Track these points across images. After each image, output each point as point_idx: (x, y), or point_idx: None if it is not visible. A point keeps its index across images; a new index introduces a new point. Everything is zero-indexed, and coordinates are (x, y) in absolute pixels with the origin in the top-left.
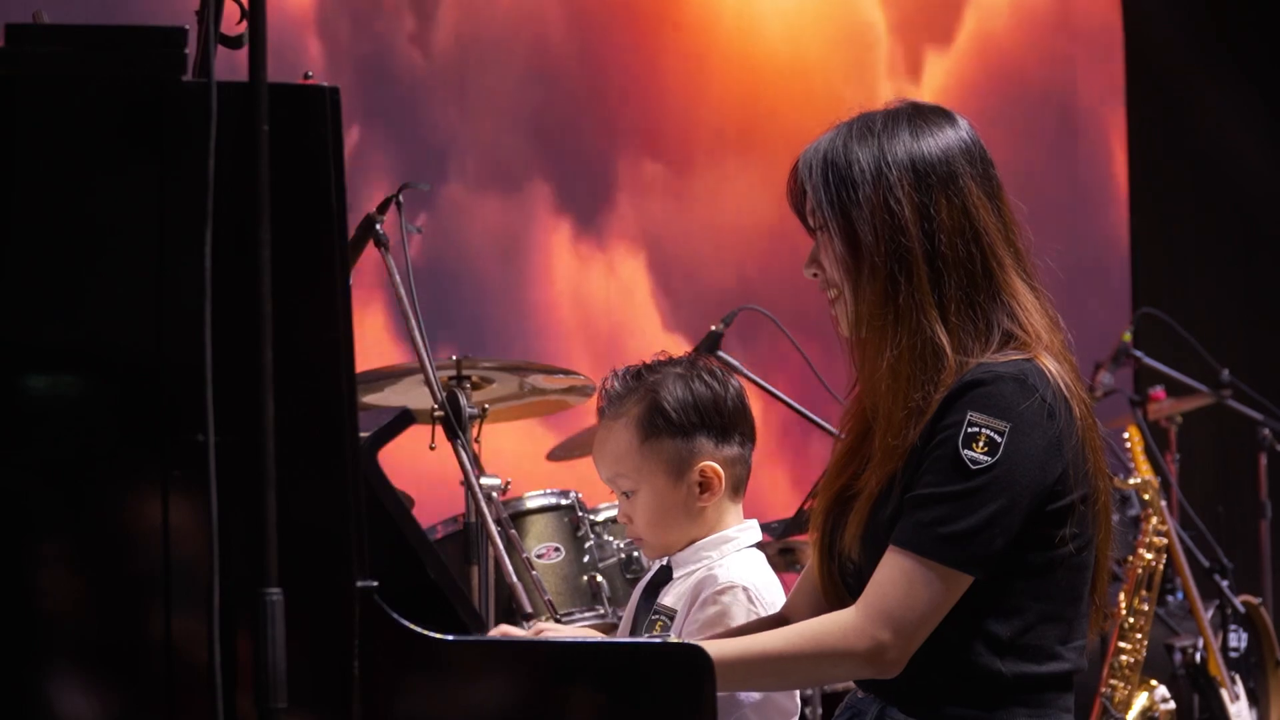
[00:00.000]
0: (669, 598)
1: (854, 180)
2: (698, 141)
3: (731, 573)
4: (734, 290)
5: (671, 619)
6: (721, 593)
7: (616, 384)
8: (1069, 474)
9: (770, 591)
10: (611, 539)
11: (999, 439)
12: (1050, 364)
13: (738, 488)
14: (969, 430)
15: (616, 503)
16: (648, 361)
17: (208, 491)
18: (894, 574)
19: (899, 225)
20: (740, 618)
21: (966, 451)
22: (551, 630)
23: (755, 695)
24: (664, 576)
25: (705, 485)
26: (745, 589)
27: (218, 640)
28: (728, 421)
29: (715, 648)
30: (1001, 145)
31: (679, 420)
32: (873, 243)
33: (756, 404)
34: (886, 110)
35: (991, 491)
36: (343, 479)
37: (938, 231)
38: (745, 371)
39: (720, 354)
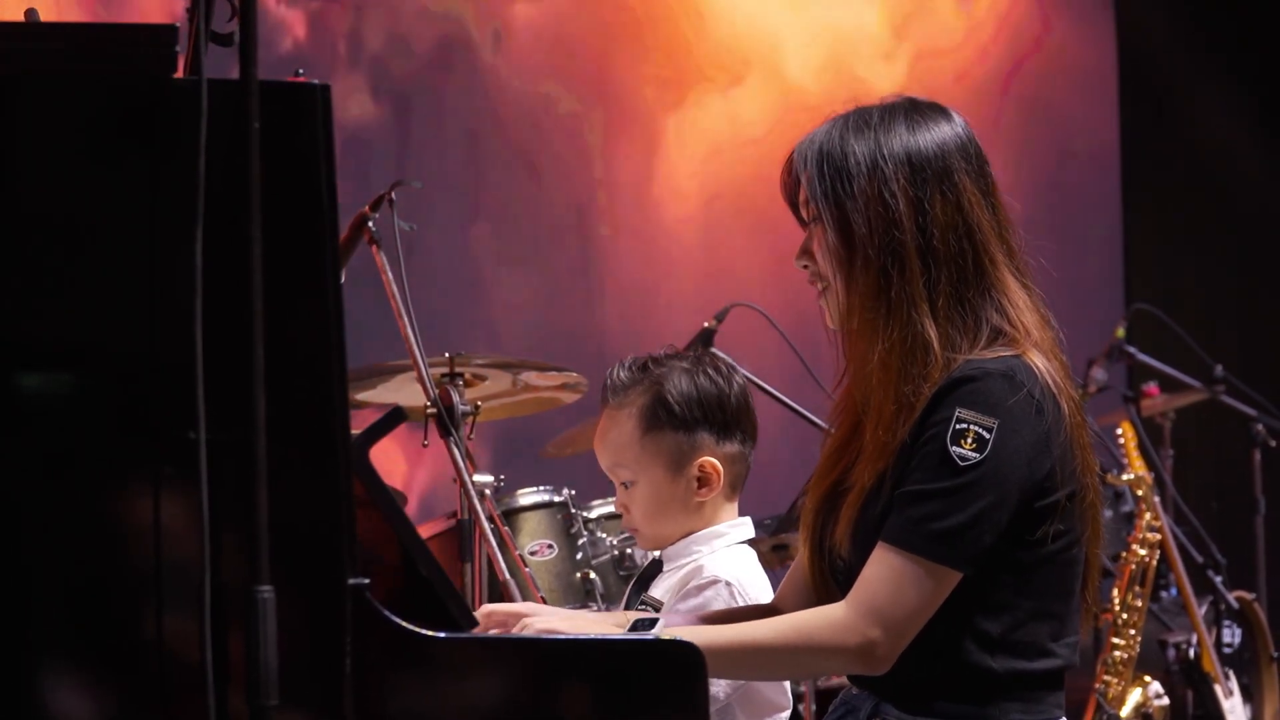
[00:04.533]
0: (658, 590)
1: (849, 172)
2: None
3: (718, 567)
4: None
5: (658, 610)
6: (704, 586)
7: (622, 374)
8: (1056, 471)
9: (756, 588)
10: (604, 536)
11: (987, 435)
12: (1038, 360)
13: (735, 485)
14: (957, 427)
15: (609, 500)
16: (654, 354)
17: (199, 489)
18: (883, 571)
19: (893, 219)
20: None
21: (955, 448)
22: (540, 618)
23: (726, 686)
24: (655, 570)
25: (704, 480)
26: (729, 584)
27: (209, 638)
28: (730, 418)
29: (703, 635)
30: (996, 143)
31: (682, 414)
32: (866, 235)
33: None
34: (883, 104)
35: (980, 488)
36: (334, 476)
37: (931, 226)
38: (739, 368)
39: (715, 351)
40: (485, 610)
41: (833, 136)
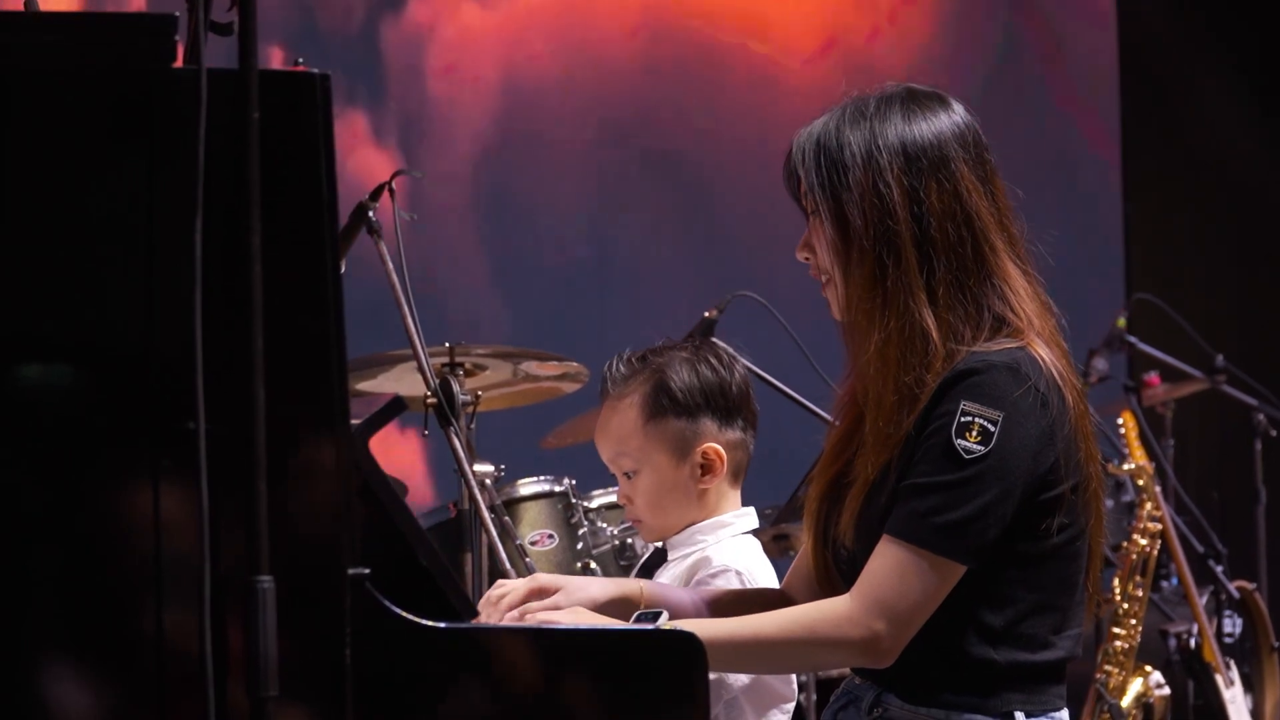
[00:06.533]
0: (663, 578)
1: (845, 164)
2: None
3: (725, 556)
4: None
5: None
6: (715, 575)
7: (621, 366)
8: (1060, 463)
9: (763, 577)
10: (605, 526)
11: (992, 428)
12: (1043, 351)
13: (738, 473)
14: (962, 420)
15: (610, 490)
16: (653, 346)
17: (198, 480)
18: (888, 564)
19: (888, 209)
20: None
21: (960, 441)
22: (564, 593)
23: (744, 677)
24: (659, 559)
25: (707, 467)
26: (739, 573)
27: (209, 629)
28: (732, 405)
29: (706, 628)
30: (996, 132)
31: (685, 401)
32: (861, 226)
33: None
34: (880, 94)
35: (985, 481)
36: (334, 466)
37: (927, 215)
38: (740, 358)
39: (715, 340)
40: (495, 593)
41: (829, 128)
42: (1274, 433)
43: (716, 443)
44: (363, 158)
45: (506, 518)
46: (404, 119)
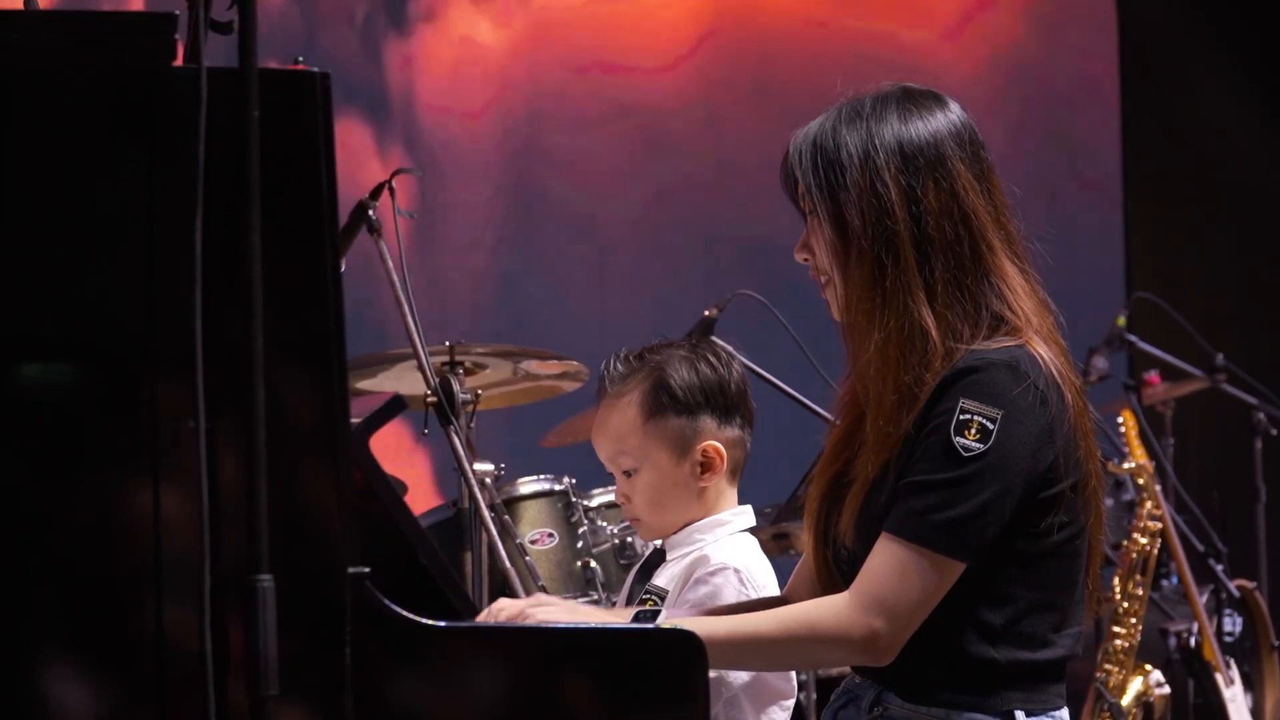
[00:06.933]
0: (661, 578)
1: (841, 164)
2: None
3: (724, 554)
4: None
5: (663, 599)
6: (713, 573)
7: (619, 365)
8: (1060, 462)
9: (762, 575)
10: (605, 524)
11: (991, 426)
12: (1042, 349)
13: (736, 470)
14: (961, 417)
15: (610, 488)
16: (650, 344)
17: (198, 479)
18: (887, 561)
19: (885, 208)
20: (730, 599)
21: (959, 439)
22: (544, 609)
23: (744, 675)
24: (657, 559)
25: (707, 465)
26: (737, 570)
27: (209, 627)
28: (730, 403)
29: (706, 626)
30: (996, 131)
31: (684, 399)
32: (860, 226)
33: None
34: (876, 94)
35: (984, 479)
36: (334, 465)
37: (925, 214)
38: (740, 357)
39: (712, 338)
40: (496, 607)
41: (825, 128)
42: (1274, 432)
43: (716, 440)
44: (368, 171)
45: (506, 516)
46: (407, 126)
